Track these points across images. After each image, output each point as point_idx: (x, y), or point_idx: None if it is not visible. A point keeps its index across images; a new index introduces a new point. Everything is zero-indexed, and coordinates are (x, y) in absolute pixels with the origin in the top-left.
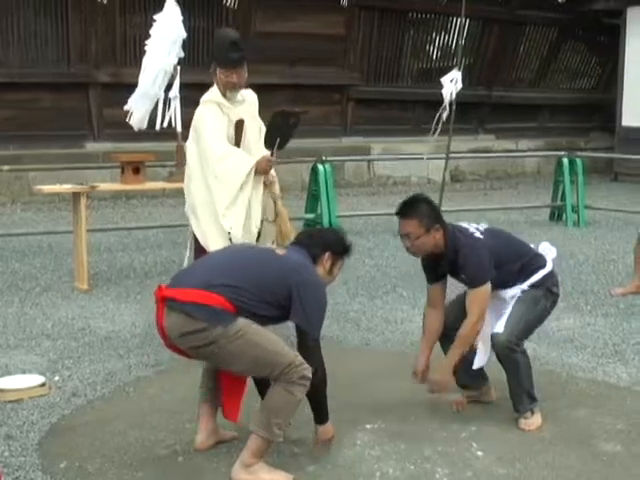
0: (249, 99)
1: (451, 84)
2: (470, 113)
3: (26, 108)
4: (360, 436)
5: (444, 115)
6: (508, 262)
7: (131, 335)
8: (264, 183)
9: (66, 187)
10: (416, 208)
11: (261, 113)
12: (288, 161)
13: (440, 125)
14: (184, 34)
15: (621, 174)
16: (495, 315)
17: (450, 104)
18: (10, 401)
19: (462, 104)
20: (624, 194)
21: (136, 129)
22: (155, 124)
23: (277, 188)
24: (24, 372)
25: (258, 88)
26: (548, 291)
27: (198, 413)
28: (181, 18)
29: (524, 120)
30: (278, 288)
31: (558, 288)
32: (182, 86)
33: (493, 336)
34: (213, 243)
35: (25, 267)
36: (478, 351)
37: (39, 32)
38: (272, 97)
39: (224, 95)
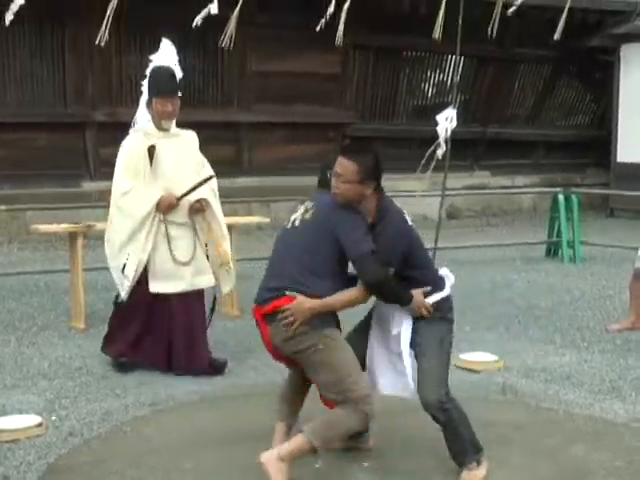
0: (186, 136)
1: (446, 122)
2: (466, 150)
3: (23, 148)
4: (361, 477)
5: (439, 152)
6: (416, 266)
7: (127, 374)
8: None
9: (63, 227)
10: (363, 156)
11: (258, 152)
12: (287, 199)
13: (434, 162)
14: (180, 74)
15: (617, 210)
16: (389, 343)
17: (445, 142)
18: (7, 441)
19: (457, 141)
20: (620, 230)
21: None
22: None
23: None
24: (21, 412)
25: (255, 127)
26: (445, 320)
27: (274, 429)
28: (177, 58)
29: (519, 157)
30: (334, 248)
31: (452, 313)
32: (177, 125)
33: (422, 402)
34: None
35: (22, 306)
36: (383, 376)
37: (36, 73)
38: (269, 136)
39: (158, 125)
